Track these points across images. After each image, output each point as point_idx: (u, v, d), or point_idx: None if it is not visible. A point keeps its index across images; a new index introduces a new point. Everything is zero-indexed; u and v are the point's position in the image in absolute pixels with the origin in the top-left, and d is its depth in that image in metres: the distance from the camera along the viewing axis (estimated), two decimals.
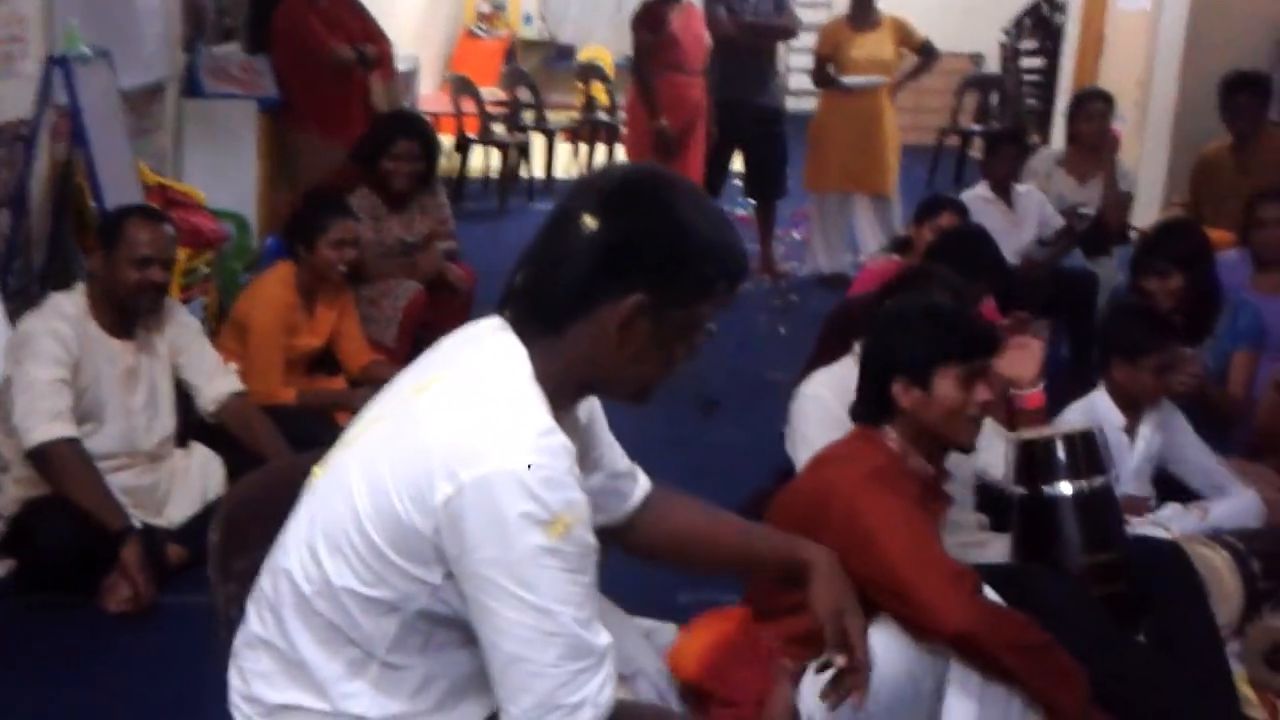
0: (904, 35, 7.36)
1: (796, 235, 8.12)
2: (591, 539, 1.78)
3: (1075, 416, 3.66)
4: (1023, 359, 3.59)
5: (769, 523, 2.69)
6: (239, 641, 1.95)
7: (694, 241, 1.83)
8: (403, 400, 1.88)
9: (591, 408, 2.14)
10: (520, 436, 1.74)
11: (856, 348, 3.29)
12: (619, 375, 1.89)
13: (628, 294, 1.81)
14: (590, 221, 1.81)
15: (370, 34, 6.41)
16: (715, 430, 5.09)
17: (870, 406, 2.84)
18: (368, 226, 4.98)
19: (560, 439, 1.78)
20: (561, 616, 1.73)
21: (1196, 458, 3.78)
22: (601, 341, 1.83)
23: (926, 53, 7.42)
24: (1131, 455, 3.70)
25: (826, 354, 3.61)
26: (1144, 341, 3.66)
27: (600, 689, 1.77)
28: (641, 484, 2.27)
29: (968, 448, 2.87)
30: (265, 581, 1.92)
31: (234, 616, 1.98)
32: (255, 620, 1.92)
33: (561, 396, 1.87)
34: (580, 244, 1.81)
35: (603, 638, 1.79)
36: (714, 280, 1.87)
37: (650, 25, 6.87)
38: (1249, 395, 4.30)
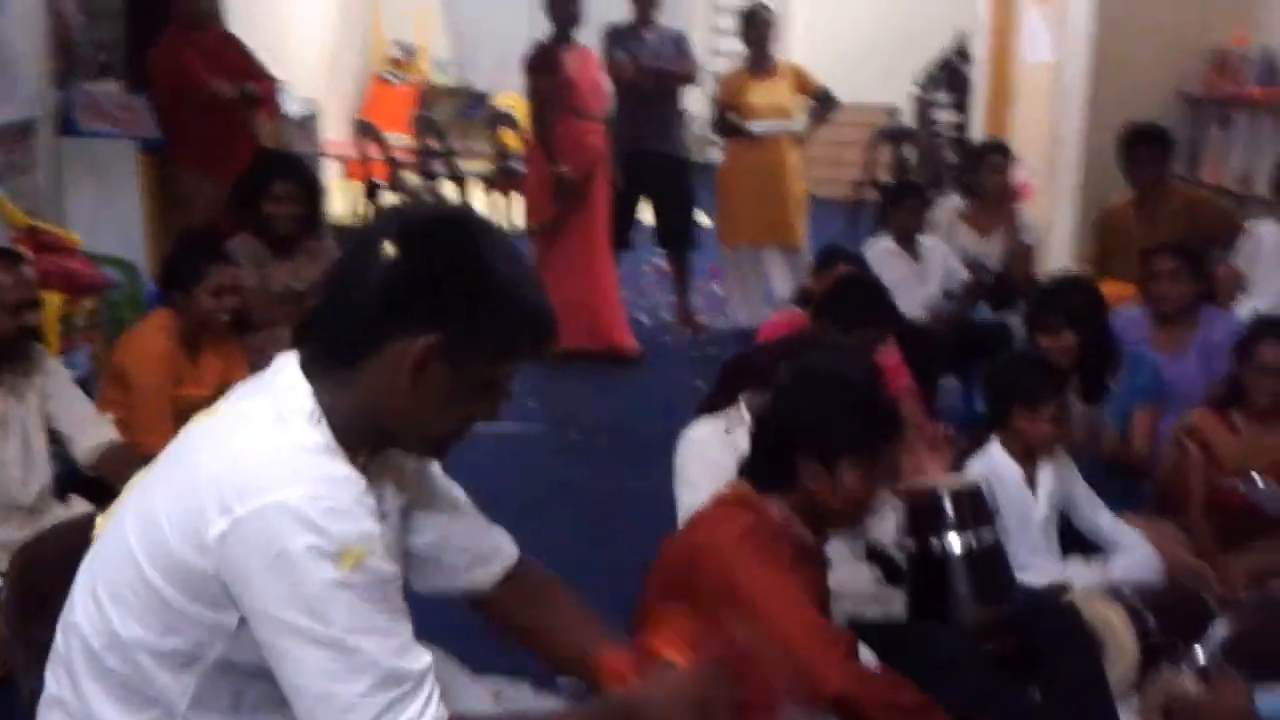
0: (802, 82, 7.39)
1: (716, 287, 8.07)
2: (389, 567, 1.72)
3: (979, 469, 3.66)
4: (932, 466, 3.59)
5: (651, 583, 2.66)
6: (40, 706, 1.84)
7: (497, 290, 1.76)
8: (180, 436, 1.81)
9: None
10: (296, 467, 1.67)
11: (743, 401, 3.26)
12: (410, 423, 1.81)
13: (421, 333, 1.73)
14: (390, 249, 1.74)
15: (252, 71, 6.29)
16: (631, 485, 5.02)
17: (769, 471, 2.75)
18: (251, 273, 4.87)
19: (344, 469, 1.71)
20: (366, 647, 1.66)
21: (1088, 510, 3.81)
22: (394, 383, 1.75)
23: (824, 100, 7.44)
24: (1036, 507, 3.71)
25: (717, 403, 3.56)
26: (1043, 389, 3.68)
27: (422, 712, 1.69)
28: (503, 559, 2.16)
29: (859, 534, 2.91)
30: (59, 639, 1.82)
31: (36, 687, 1.87)
32: (51, 681, 1.83)
33: (353, 435, 1.78)
34: (375, 271, 1.74)
35: (419, 660, 1.72)
36: (516, 336, 1.80)
37: (544, 69, 6.79)
38: (1151, 451, 4.32)
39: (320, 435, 1.73)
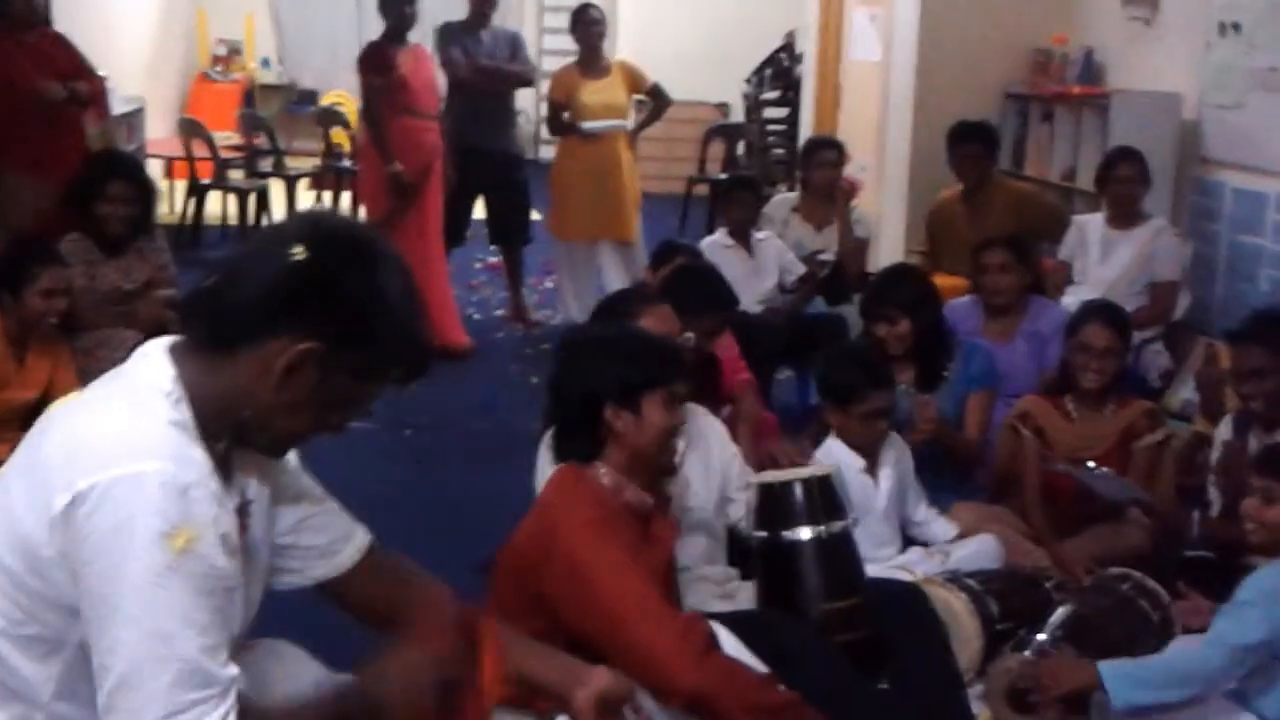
0: (634, 80, 7.37)
1: (550, 283, 8.03)
2: (222, 562, 1.70)
3: (819, 460, 3.68)
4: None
5: (495, 579, 2.65)
6: None
7: (387, 315, 1.82)
8: (39, 421, 1.81)
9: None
10: (143, 444, 1.67)
11: None
12: (268, 419, 1.81)
13: (304, 337, 1.76)
14: (300, 250, 1.77)
15: (81, 71, 6.05)
16: (466, 483, 4.95)
17: (578, 440, 2.78)
18: (81, 273, 4.75)
19: (195, 451, 1.72)
20: (179, 639, 1.63)
21: (914, 499, 3.87)
22: (263, 377, 1.76)
23: (657, 96, 7.43)
24: (878, 496, 3.76)
25: None
26: (853, 388, 3.73)
27: None
28: (355, 546, 2.14)
29: (673, 469, 2.91)
30: None
31: None
32: None
33: (213, 422, 1.78)
34: (280, 266, 1.77)
35: (228, 670, 1.69)
36: (391, 363, 1.86)
37: (378, 68, 6.67)
38: (985, 438, 4.37)
39: (177, 414, 1.73)
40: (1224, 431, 3.97)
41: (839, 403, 3.76)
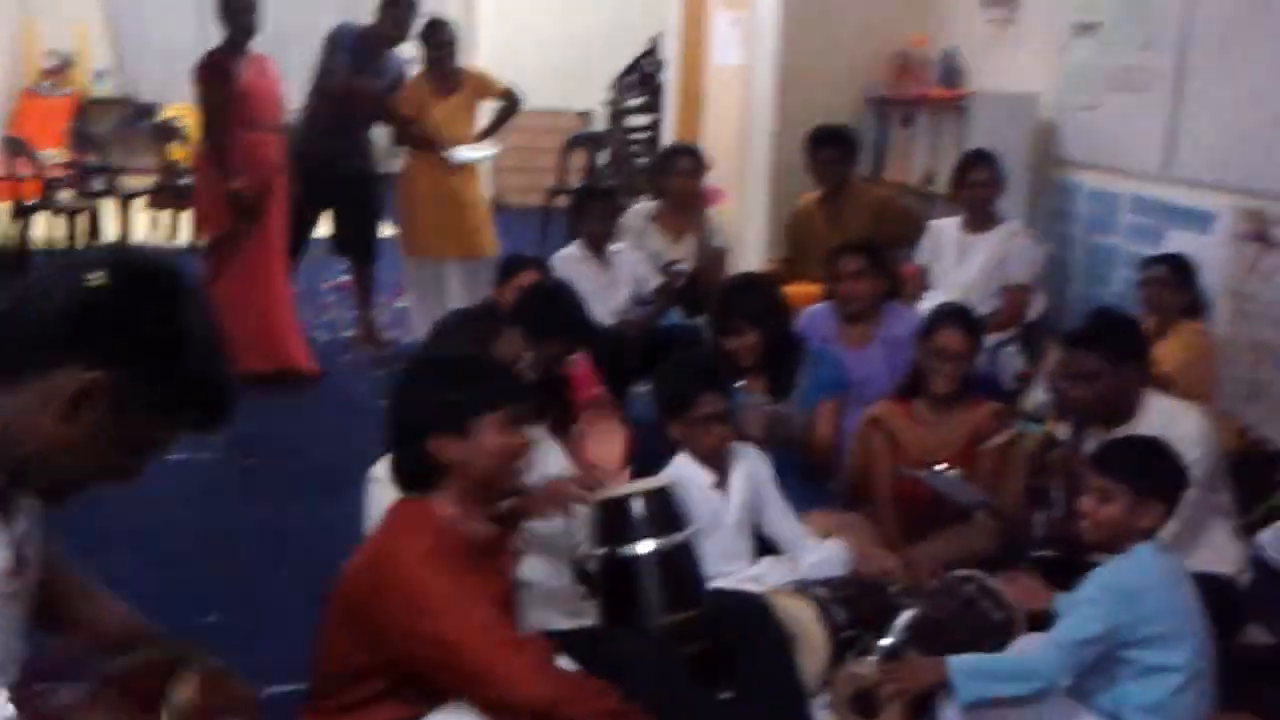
0: (484, 88, 7.38)
1: (401, 303, 7.99)
2: None
3: (669, 474, 3.72)
4: (607, 444, 3.71)
5: (331, 611, 2.67)
6: None
7: (188, 354, 1.80)
8: None
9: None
10: None
11: None
12: (49, 456, 1.77)
13: (96, 368, 1.73)
14: (98, 277, 1.74)
15: None
16: (312, 514, 4.91)
17: (414, 473, 2.81)
18: None
19: None
20: None
21: (775, 513, 3.93)
22: (47, 408, 1.73)
23: (508, 99, 7.45)
24: (728, 510, 3.82)
25: None
26: (684, 394, 3.81)
27: None
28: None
29: (515, 492, 2.94)
30: None
31: None
32: None
33: None
34: (75, 290, 1.74)
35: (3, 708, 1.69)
36: (188, 404, 1.83)
37: (215, 78, 6.56)
38: (837, 444, 4.49)
39: None
40: (1064, 431, 4.12)
41: (674, 413, 3.84)
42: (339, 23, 7.28)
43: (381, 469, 3.30)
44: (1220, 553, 3.83)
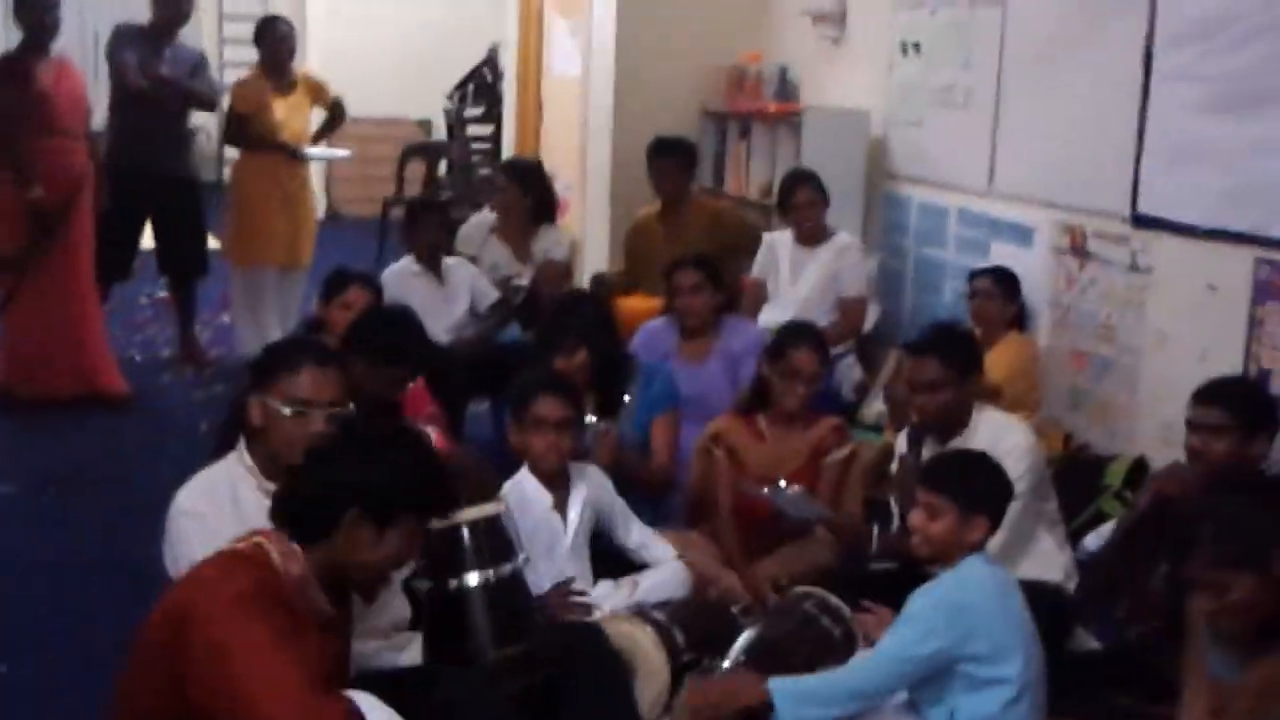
0: (317, 93, 7.26)
1: (225, 318, 7.74)
2: None
3: (508, 494, 3.64)
4: None
5: (137, 648, 2.52)
6: None
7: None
8: None
9: None
10: None
11: (241, 444, 3.14)
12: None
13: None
14: None
15: None
16: (127, 545, 4.58)
17: (309, 522, 2.62)
18: None
19: None
20: None
21: (622, 528, 3.89)
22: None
23: (337, 111, 7.33)
24: (565, 533, 3.74)
25: (220, 449, 3.36)
26: (525, 395, 3.74)
27: None
28: None
29: (371, 599, 2.80)
30: None
31: None
32: None
33: None
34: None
35: None
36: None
37: (11, 82, 6.20)
38: (673, 461, 4.46)
39: None
40: (901, 444, 4.16)
41: (515, 414, 3.76)
42: (118, 23, 7.05)
43: (187, 499, 3.10)
44: (1048, 560, 3.89)
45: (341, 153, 7.14)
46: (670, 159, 6.53)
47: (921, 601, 3.11)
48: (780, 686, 3.07)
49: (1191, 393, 3.67)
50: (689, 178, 6.66)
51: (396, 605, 3.23)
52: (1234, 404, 3.58)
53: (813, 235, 6.02)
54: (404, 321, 4.27)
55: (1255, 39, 4.50)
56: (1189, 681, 2.84)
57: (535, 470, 3.75)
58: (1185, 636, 2.90)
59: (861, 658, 3.34)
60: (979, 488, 3.19)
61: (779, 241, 6.13)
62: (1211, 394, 3.62)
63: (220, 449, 3.35)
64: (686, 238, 6.22)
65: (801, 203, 5.99)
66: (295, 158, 7.05)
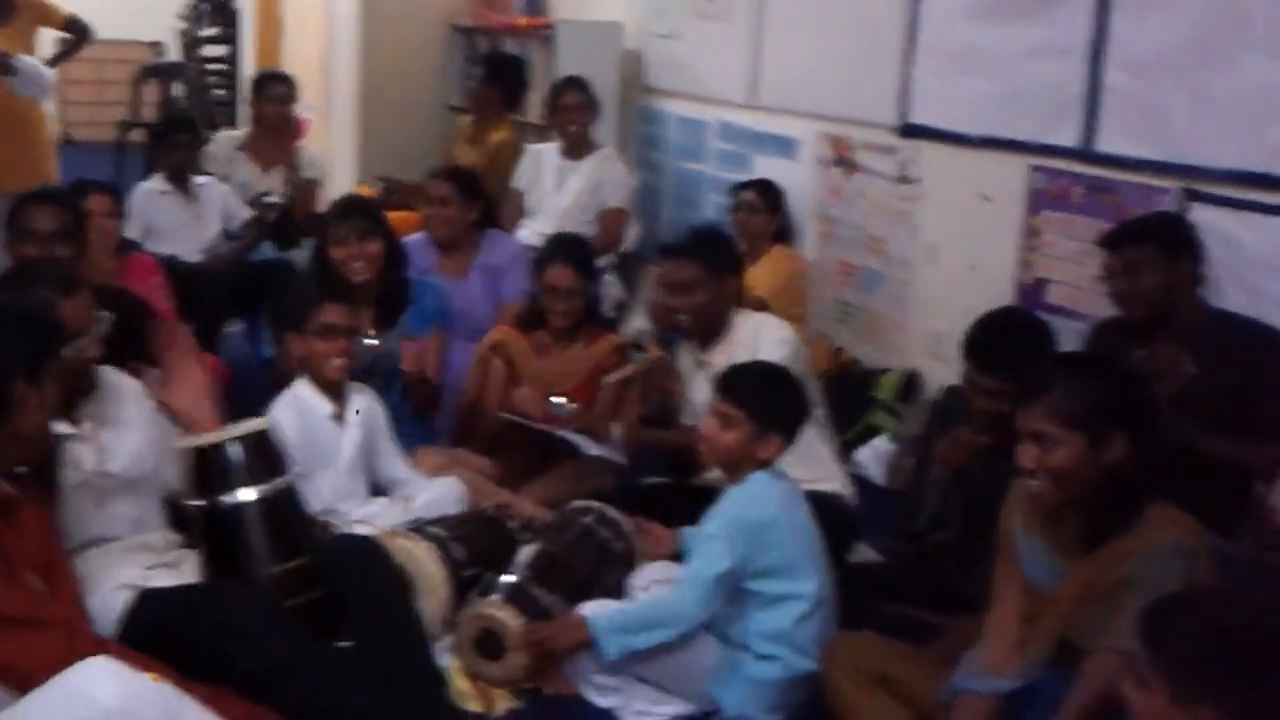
0: (45, 16, 6.53)
1: None
2: None
3: (284, 412, 3.49)
4: (193, 388, 3.47)
5: None
6: None
7: None
8: None
9: None
10: None
11: None
12: None
13: None
14: None
15: None
16: None
17: None
18: None
19: None
20: None
21: (390, 456, 3.71)
22: None
23: (75, 29, 6.61)
24: (345, 446, 3.57)
25: None
26: (307, 303, 3.58)
27: None
28: None
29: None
30: None
31: None
32: None
33: None
34: None
35: None
36: None
37: None
38: (443, 378, 4.23)
39: None
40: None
41: (295, 325, 3.56)
42: None
43: None
44: (826, 470, 3.77)
45: (47, 72, 6.36)
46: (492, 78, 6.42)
47: (717, 520, 3.03)
48: (599, 621, 3.00)
49: (966, 348, 3.41)
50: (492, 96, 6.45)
51: (159, 521, 3.07)
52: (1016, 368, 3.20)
53: (578, 146, 5.83)
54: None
55: None
56: (1001, 590, 2.75)
57: (316, 381, 3.58)
58: (980, 551, 2.85)
59: (653, 570, 3.25)
60: (777, 404, 3.10)
61: (544, 153, 5.94)
62: (992, 360, 3.33)
63: None
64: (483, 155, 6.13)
65: (570, 105, 5.80)
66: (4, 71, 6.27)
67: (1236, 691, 1.84)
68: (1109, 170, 4.10)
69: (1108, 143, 4.10)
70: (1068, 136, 4.22)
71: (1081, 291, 4.15)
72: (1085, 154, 4.18)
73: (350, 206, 4.30)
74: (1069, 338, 3.85)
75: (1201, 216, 3.70)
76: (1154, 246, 3.35)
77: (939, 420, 3.65)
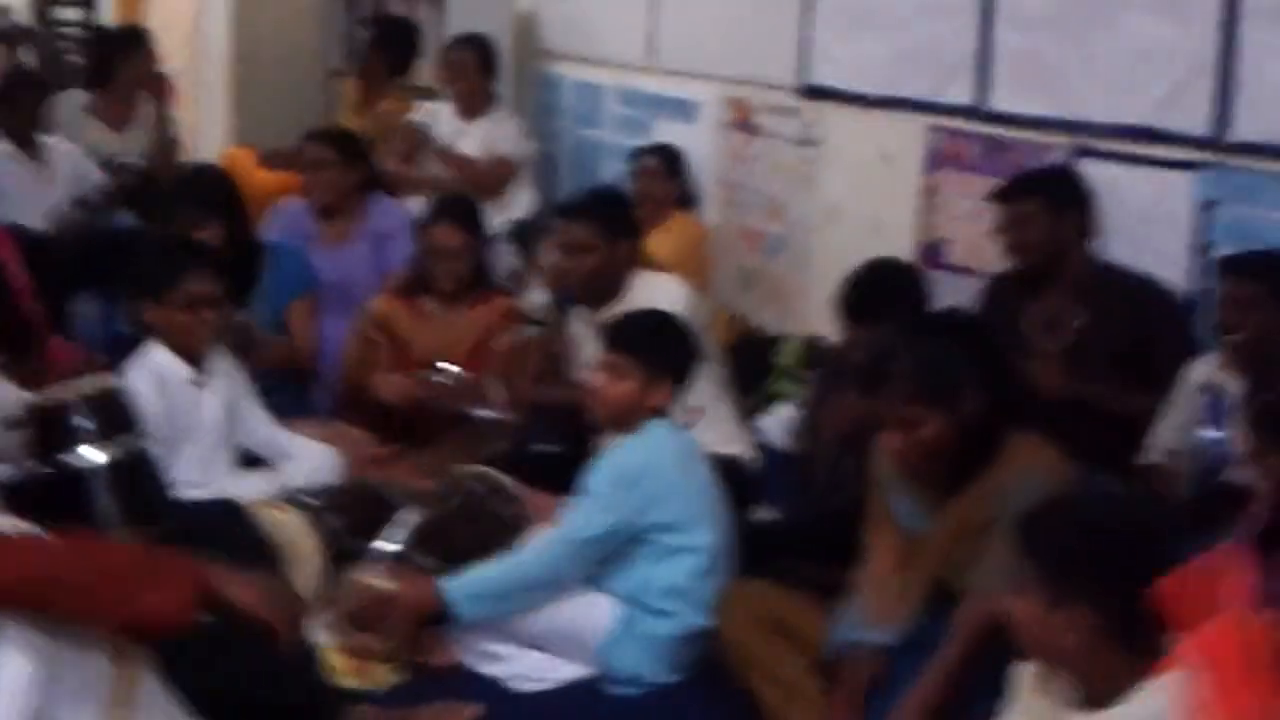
0: None
1: None
2: None
3: (140, 380, 3.43)
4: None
5: None
6: None
7: None
8: None
9: None
10: None
11: None
12: None
13: None
14: None
15: None
16: None
17: None
18: None
19: None
20: None
21: (254, 421, 3.69)
22: None
23: None
24: (206, 414, 3.53)
25: None
26: (168, 272, 3.51)
27: None
28: None
29: None
30: None
31: None
32: None
33: None
34: None
35: None
36: None
37: None
38: (314, 346, 4.30)
39: None
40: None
41: (155, 295, 3.50)
42: None
43: None
44: (727, 434, 3.87)
45: None
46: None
47: (601, 474, 3.08)
48: (454, 586, 3.02)
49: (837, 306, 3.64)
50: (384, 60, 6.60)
51: None
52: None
53: (474, 105, 5.85)
54: None
55: None
56: (873, 537, 2.90)
57: (171, 341, 3.51)
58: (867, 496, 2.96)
59: (536, 544, 3.26)
60: (664, 347, 3.18)
61: (441, 112, 5.94)
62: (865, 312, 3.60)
63: None
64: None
65: (454, 61, 5.86)
66: None
67: (1108, 588, 2.01)
68: (1003, 128, 4.32)
69: (1001, 100, 4.33)
70: (962, 95, 4.42)
71: (980, 250, 4.30)
72: (979, 112, 4.39)
73: (183, 188, 4.39)
74: (969, 296, 4.08)
75: (1091, 171, 3.92)
76: (1041, 199, 3.66)
77: (827, 383, 3.80)
